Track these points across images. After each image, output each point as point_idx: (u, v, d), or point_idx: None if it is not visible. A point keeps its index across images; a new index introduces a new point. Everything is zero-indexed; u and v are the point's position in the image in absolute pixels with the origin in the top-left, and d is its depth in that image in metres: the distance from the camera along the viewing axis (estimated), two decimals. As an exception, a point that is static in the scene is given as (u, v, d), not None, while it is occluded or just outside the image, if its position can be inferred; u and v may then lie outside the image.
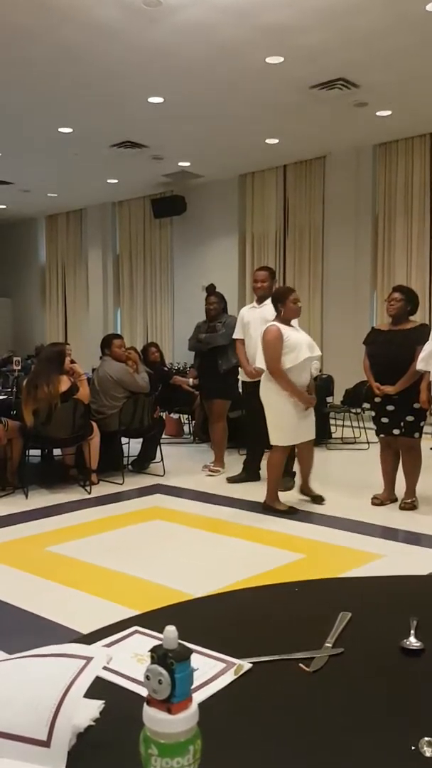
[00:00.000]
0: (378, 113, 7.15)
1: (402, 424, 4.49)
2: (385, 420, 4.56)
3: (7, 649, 2.59)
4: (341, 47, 5.53)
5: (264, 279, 5.33)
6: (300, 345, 4.51)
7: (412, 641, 0.99)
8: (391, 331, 4.58)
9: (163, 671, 0.62)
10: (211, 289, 6.09)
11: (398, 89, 6.45)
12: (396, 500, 4.70)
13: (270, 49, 5.58)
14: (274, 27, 5.17)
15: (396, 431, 4.53)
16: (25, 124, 7.41)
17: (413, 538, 4.04)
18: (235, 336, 5.44)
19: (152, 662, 0.63)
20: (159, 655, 0.63)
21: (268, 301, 5.24)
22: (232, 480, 5.45)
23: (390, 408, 4.51)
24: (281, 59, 5.75)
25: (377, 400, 4.57)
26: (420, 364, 4.27)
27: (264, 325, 5.04)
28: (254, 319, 5.25)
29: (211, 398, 5.88)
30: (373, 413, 4.67)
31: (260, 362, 4.59)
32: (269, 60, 5.76)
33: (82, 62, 5.77)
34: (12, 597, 3.11)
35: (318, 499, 4.81)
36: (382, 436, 4.66)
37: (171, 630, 0.64)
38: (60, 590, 3.27)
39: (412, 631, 1.02)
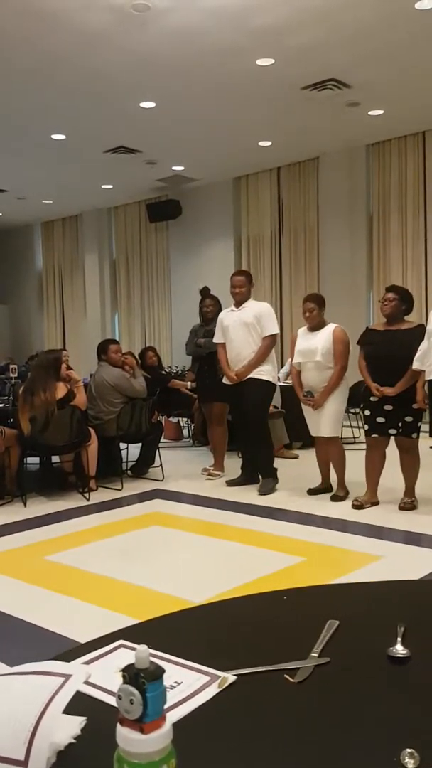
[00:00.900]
0: (370, 113, 7.16)
1: (400, 424, 4.47)
2: (381, 420, 4.53)
3: (6, 659, 2.58)
4: (332, 47, 5.54)
5: (241, 284, 5.34)
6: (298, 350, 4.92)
7: (399, 649, 0.99)
8: (388, 332, 4.55)
9: (135, 691, 0.61)
10: (205, 292, 6.11)
11: (390, 88, 6.46)
12: (378, 503, 4.67)
13: (260, 51, 5.58)
14: (264, 29, 5.17)
15: (393, 431, 4.51)
16: (19, 132, 7.41)
17: (413, 538, 4.03)
18: (215, 340, 5.43)
19: (124, 682, 0.63)
20: (130, 675, 0.62)
21: (247, 304, 5.31)
22: (231, 483, 5.44)
23: (388, 408, 4.49)
24: (272, 61, 5.75)
25: (373, 399, 4.54)
26: (415, 363, 4.26)
27: (244, 328, 5.22)
28: (233, 322, 5.27)
29: (209, 402, 5.87)
30: (367, 412, 4.64)
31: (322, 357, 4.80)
32: (260, 62, 5.77)
33: (73, 68, 5.78)
34: (10, 607, 3.10)
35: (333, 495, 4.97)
36: (375, 436, 4.61)
37: (142, 649, 0.64)
38: (58, 599, 3.26)
39: (399, 639, 1.01)
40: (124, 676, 0.63)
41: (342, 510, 4.65)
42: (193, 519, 4.64)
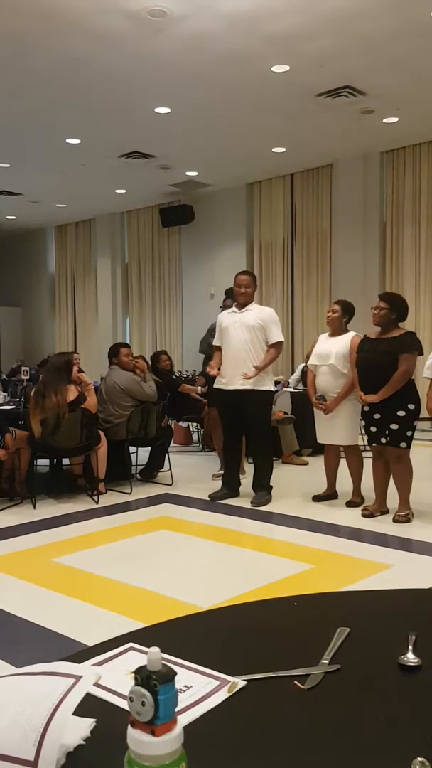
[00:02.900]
0: (385, 120, 7.16)
1: (387, 432, 4.42)
2: (373, 429, 4.51)
3: (14, 661, 2.59)
4: (347, 55, 5.55)
5: (248, 284, 5.05)
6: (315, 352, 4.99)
7: (410, 657, 0.98)
8: (378, 340, 4.53)
9: (147, 693, 0.61)
10: (229, 293, 6.05)
11: (404, 96, 6.46)
12: (387, 512, 4.64)
13: (276, 58, 5.60)
14: (280, 35, 5.19)
15: (383, 440, 4.47)
16: (34, 136, 7.47)
17: (423, 548, 4.00)
18: (215, 342, 5.18)
19: (135, 684, 0.63)
20: (142, 677, 0.62)
21: (250, 307, 5.05)
22: (214, 497, 5.19)
23: (377, 417, 4.45)
24: (287, 68, 5.77)
25: (366, 409, 4.52)
26: (426, 372, 4.24)
27: (246, 331, 4.93)
28: (233, 324, 4.98)
29: (215, 406, 5.87)
30: (363, 422, 4.64)
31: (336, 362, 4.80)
32: (275, 68, 5.79)
33: (88, 73, 5.82)
34: (18, 609, 3.10)
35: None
36: (373, 445, 4.60)
37: (155, 651, 0.64)
38: (66, 602, 3.26)
39: (410, 647, 1.00)
40: (135, 678, 0.63)
41: (351, 518, 4.63)
42: (201, 524, 4.63)
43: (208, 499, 5.22)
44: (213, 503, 5.11)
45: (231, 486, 5.25)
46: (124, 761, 0.63)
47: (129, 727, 0.63)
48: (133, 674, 0.65)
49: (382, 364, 4.37)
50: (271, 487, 5.19)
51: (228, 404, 5.04)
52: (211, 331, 5.93)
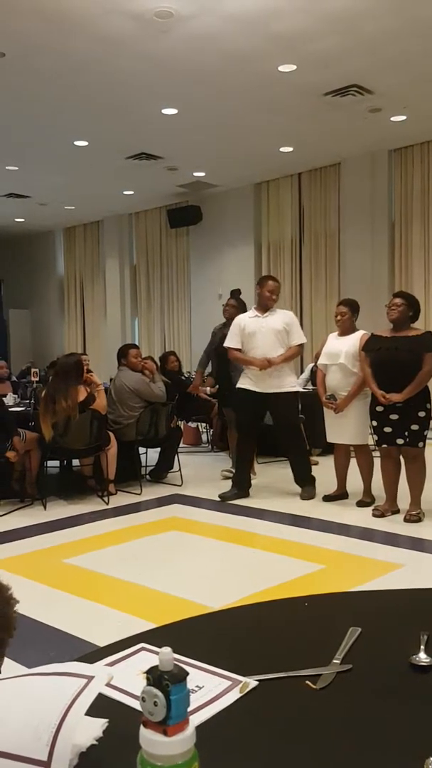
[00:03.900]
0: (392, 119, 7.13)
1: (407, 433, 4.40)
2: (388, 429, 4.47)
3: (24, 661, 2.59)
4: (354, 53, 5.53)
5: (278, 291, 5.24)
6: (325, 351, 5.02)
7: (422, 657, 0.97)
8: (395, 338, 4.48)
9: (159, 693, 0.61)
10: (234, 293, 6.05)
11: (412, 94, 6.43)
12: (398, 511, 4.62)
13: (282, 57, 5.59)
14: (286, 35, 5.18)
15: (400, 441, 4.43)
16: (41, 138, 7.50)
17: (434, 547, 3.98)
18: (229, 344, 5.22)
19: (148, 684, 0.63)
20: (154, 677, 0.62)
21: (275, 311, 5.19)
22: (224, 497, 5.21)
23: (394, 417, 4.42)
24: (294, 67, 5.76)
25: (379, 409, 4.47)
26: None
27: (274, 335, 5.10)
28: (261, 329, 5.09)
29: (228, 406, 5.86)
30: (375, 423, 4.57)
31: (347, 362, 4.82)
32: (282, 68, 5.78)
33: (95, 75, 5.84)
34: (29, 609, 3.11)
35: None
36: (384, 446, 4.56)
37: (166, 651, 0.64)
38: (77, 602, 3.27)
39: (422, 647, 1.00)
40: (148, 678, 0.63)
41: (362, 518, 4.61)
42: (211, 525, 4.63)
43: (218, 499, 5.23)
44: (223, 503, 5.11)
45: (241, 486, 5.28)
46: (137, 761, 0.63)
47: (141, 727, 0.63)
48: (145, 674, 0.65)
49: (405, 363, 4.33)
50: (314, 478, 5.27)
51: (252, 405, 5.16)
52: (214, 334, 5.91)
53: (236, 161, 8.59)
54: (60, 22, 4.91)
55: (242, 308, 5.83)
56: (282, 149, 8.13)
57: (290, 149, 8.13)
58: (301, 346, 5.17)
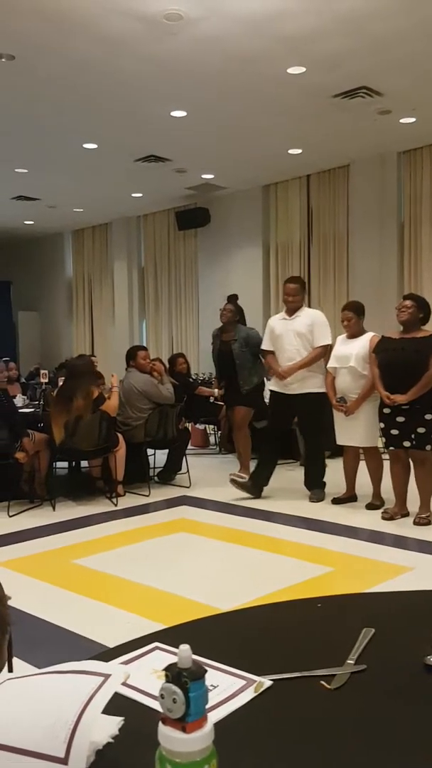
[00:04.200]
0: (402, 120, 7.12)
1: (413, 435, 4.38)
2: (395, 432, 4.46)
3: (33, 661, 2.60)
4: (363, 55, 5.52)
5: (294, 293, 5.23)
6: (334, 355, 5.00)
7: (437, 658, 0.97)
8: (402, 339, 4.49)
9: (178, 690, 0.62)
10: (230, 299, 5.98)
11: (422, 96, 6.41)
12: (408, 514, 4.61)
13: (291, 59, 5.59)
14: (295, 37, 5.19)
15: (407, 443, 4.42)
16: (51, 141, 7.53)
17: (443, 550, 3.97)
18: (264, 347, 5.37)
19: (166, 681, 0.63)
20: (173, 674, 0.63)
21: (301, 313, 5.24)
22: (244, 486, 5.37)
23: (400, 419, 4.41)
24: (303, 69, 5.76)
25: (386, 411, 4.47)
26: None
27: (297, 338, 5.16)
28: (287, 332, 5.18)
29: (233, 406, 5.86)
30: (382, 425, 4.57)
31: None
32: (291, 70, 5.78)
33: (105, 78, 5.86)
34: (38, 610, 3.12)
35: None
36: (391, 448, 4.56)
37: (185, 649, 0.64)
38: (86, 603, 3.28)
39: (437, 648, 0.99)
40: (166, 675, 0.63)
41: (371, 520, 4.60)
42: (219, 526, 4.63)
43: (227, 501, 5.23)
44: (230, 506, 5.12)
45: (256, 483, 5.34)
46: (156, 758, 0.63)
47: (160, 724, 0.63)
48: (162, 672, 0.66)
49: (412, 364, 4.33)
50: (325, 483, 5.28)
51: (280, 406, 5.25)
52: (215, 337, 5.88)
53: (244, 163, 8.60)
54: (69, 25, 4.93)
55: (239, 313, 5.80)
56: (290, 151, 8.13)
57: (299, 151, 8.13)
58: (324, 347, 5.11)
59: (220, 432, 7.74)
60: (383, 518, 4.58)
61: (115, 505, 5.19)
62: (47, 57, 5.41)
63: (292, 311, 5.25)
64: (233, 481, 5.37)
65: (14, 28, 4.91)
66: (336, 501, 5.06)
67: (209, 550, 4.16)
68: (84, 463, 5.86)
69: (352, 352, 4.83)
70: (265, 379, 5.82)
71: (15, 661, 1.49)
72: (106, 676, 0.78)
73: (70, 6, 4.67)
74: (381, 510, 4.71)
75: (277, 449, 5.47)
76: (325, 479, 5.29)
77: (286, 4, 4.74)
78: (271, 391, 5.46)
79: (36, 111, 6.62)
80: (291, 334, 5.16)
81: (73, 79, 5.88)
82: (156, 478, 6.03)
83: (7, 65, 5.49)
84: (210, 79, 5.93)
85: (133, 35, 5.10)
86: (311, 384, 5.12)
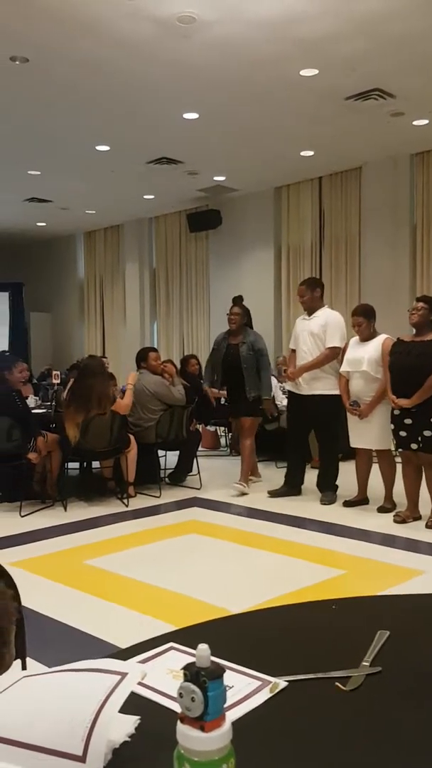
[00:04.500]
0: (414, 122, 7.09)
1: (420, 438, 4.37)
2: (403, 434, 4.46)
3: (44, 661, 2.61)
4: (376, 57, 5.51)
5: (302, 294, 5.32)
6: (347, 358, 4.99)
7: (453, 661, 0.97)
8: (412, 342, 4.50)
9: (196, 689, 0.62)
10: (237, 300, 5.87)
11: (435, 98, 6.39)
12: (420, 518, 4.58)
13: (304, 62, 5.59)
14: (309, 39, 5.19)
15: (414, 446, 4.41)
16: (64, 144, 7.57)
17: (455, 554, 3.94)
18: (290, 346, 5.49)
19: (185, 680, 0.63)
20: (192, 673, 0.63)
21: (319, 313, 5.27)
22: (274, 494, 5.39)
23: (408, 422, 4.40)
24: (316, 71, 5.76)
25: (396, 412, 4.48)
26: None
27: (311, 338, 5.19)
28: (302, 332, 5.26)
29: (239, 416, 5.72)
30: (392, 426, 4.58)
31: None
32: (304, 72, 5.78)
33: (117, 80, 5.88)
34: (50, 610, 3.14)
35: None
36: (400, 450, 4.57)
37: (204, 648, 0.64)
38: (97, 603, 3.29)
39: (453, 651, 0.99)
40: (185, 674, 0.64)
41: (383, 523, 4.58)
42: (230, 528, 4.63)
43: (236, 503, 5.23)
44: (241, 508, 5.12)
45: (293, 485, 5.41)
46: (174, 756, 0.63)
47: (179, 723, 0.64)
48: (178, 672, 0.66)
49: (416, 368, 4.32)
50: (337, 486, 5.28)
51: (297, 408, 5.30)
52: (218, 344, 5.76)
53: (257, 165, 8.60)
54: (83, 28, 4.96)
55: (246, 314, 5.71)
56: (303, 153, 8.12)
57: (311, 153, 8.12)
58: (333, 349, 5.10)
59: (231, 434, 7.73)
60: (395, 521, 4.57)
61: (126, 506, 5.20)
62: (60, 59, 5.44)
63: (309, 311, 5.31)
64: (270, 493, 5.42)
65: (28, 31, 4.94)
66: (347, 504, 5.04)
67: (220, 552, 4.16)
68: (95, 464, 5.87)
69: (365, 356, 4.82)
70: (276, 383, 5.82)
71: (27, 660, 1.50)
72: (123, 675, 0.79)
73: (84, 9, 4.70)
74: (393, 513, 4.69)
75: (302, 450, 5.50)
76: (337, 482, 5.28)
77: (299, 7, 4.74)
78: (288, 391, 5.52)
79: (49, 113, 6.66)
80: (305, 334, 5.22)
81: (85, 82, 5.91)
82: (167, 479, 6.04)
83: (21, 68, 5.53)
84: (222, 81, 5.94)
85: (146, 38, 5.12)
86: (322, 385, 5.12)
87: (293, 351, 5.36)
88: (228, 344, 5.65)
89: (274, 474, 6.16)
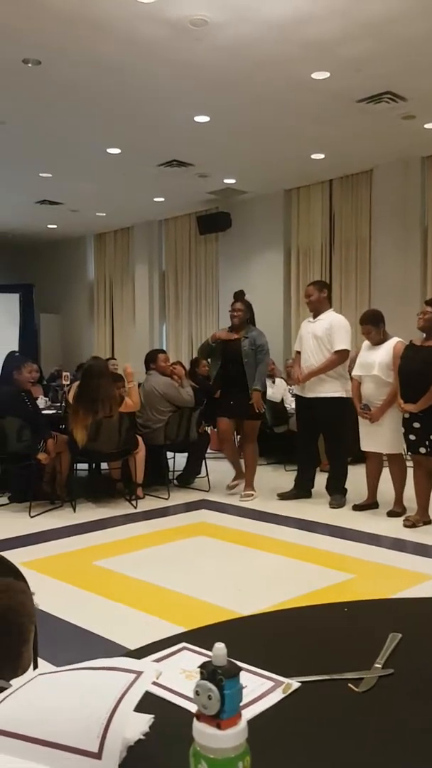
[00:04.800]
0: (426, 125, 7.08)
1: (427, 442, 4.37)
2: (412, 437, 4.46)
3: (54, 661, 2.62)
4: (388, 60, 5.51)
5: (310, 294, 5.34)
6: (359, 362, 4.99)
7: (466, 664, 0.97)
8: (422, 347, 4.51)
9: (213, 687, 0.62)
10: (239, 296, 5.76)
11: (446, 101, 6.38)
12: (430, 522, 4.57)
13: (316, 64, 5.60)
14: (320, 42, 5.19)
15: (422, 450, 4.41)
16: (75, 146, 7.60)
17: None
18: (295, 348, 5.50)
19: (201, 678, 0.64)
20: (208, 671, 0.63)
21: (324, 316, 5.27)
22: (283, 497, 5.39)
23: (416, 425, 4.41)
24: (327, 74, 5.76)
25: (406, 416, 4.49)
26: None
27: (314, 341, 5.17)
28: (307, 334, 5.26)
29: (241, 418, 5.48)
30: (402, 430, 4.60)
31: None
32: (315, 75, 5.78)
33: (129, 83, 5.91)
34: (59, 610, 3.15)
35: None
36: (410, 454, 4.58)
37: (220, 647, 0.65)
38: (106, 604, 3.29)
39: (466, 654, 0.99)
40: (201, 673, 0.64)
41: (393, 527, 4.57)
42: (239, 531, 4.62)
43: (245, 505, 5.23)
44: (249, 510, 5.12)
45: (302, 487, 5.42)
46: (190, 754, 0.64)
47: (195, 720, 0.64)
48: (191, 672, 0.66)
49: (423, 373, 4.33)
50: (346, 489, 5.27)
51: (304, 410, 5.30)
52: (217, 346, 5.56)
53: (267, 168, 8.61)
54: (94, 31, 4.98)
55: (249, 310, 5.55)
56: (313, 156, 8.12)
57: (321, 156, 8.12)
58: (340, 353, 5.07)
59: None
60: (405, 526, 4.55)
61: (135, 507, 5.21)
62: (72, 62, 5.47)
63: (314, 313, 5.31)
64: (280, 495, 5.42)
65: (40, 33, 4.98)
66: (357, 507, 5.03)
67: (229, 555, 4.16)
68: (104, 465, 5.89)
69: (376, 360, 4.81)
70: (285, 386, 5.80)
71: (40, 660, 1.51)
72: (139, 673, 0.79)
73: (96, 11, 4.73)
74: (403, 517, 4.67)
75: (311, 453, 5.47)
76: (347, 488, 5.28)
77: (311, 9, 4.75)
78: (294, 395, 5.52)
79: (60, 115, 6.69)
80: (310, 337, 5.22)
81: (97, 84, 5.94)
82: (175, 481, 6.05)
83: (33, 70, 5.56)
84: (233, 84, 5.95)
85: (157, 40, 5.14)
86: (327, 388, 5.11)
87: (298, 353, 5.37)
88: (228, 340, 5.45)
89: (283, 477, 6.15)
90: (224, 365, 5.47)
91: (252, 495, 5.48)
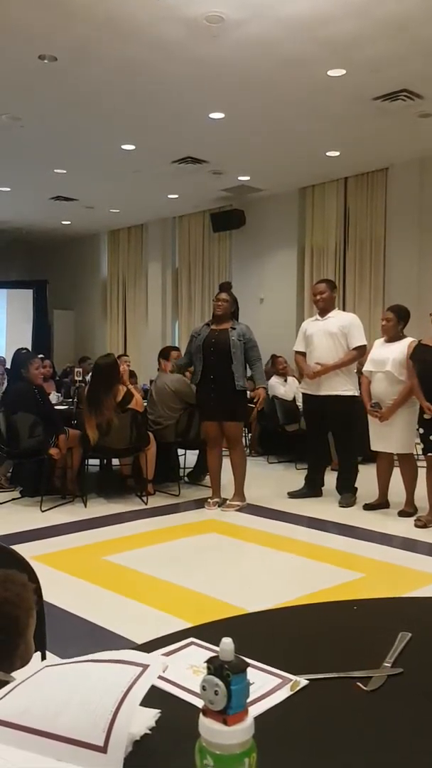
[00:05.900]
0: (442, 124, 7.03)
1: None
2: None
3: (62, 655, 2.63)
4: (404, 58, 5.47)
5: (322, 291, 5.28)
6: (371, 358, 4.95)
7: None
8: None
9: (220, 682, 0.62)
10: (224, 287, 5.37)
11: (463, 99, 6.33)
12: None
13: (332, 62, 5.57)
14: (337, 40, 5.16)
15: None
16: (90, 143, 7.62)
17: None
18: (295, 348, 5.40)
19: (208, 673, 0.63)
20: (215, 667, 0.63)
21: (333, 314, 5.26)
22: (293, 495, 5.39)
23: None
24: (343, 72, 5.73)
25: (426, 417, 4.46)
26: None
27: (329, 339, 5.13)
28: (318, 332, 5.21)
29: (224, 420, 4.96)
30: (421, 430, 4.58)
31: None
32: (331, 73, 5.75)
33: (145, 80, 5.91)
34: (69, 605, 3.16)
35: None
36: (429, 454, 4.54)
37: (228, 642, 0.64)
38: (115, 599, 3.30)
39: None
40: (208, 668, 0.64)
41: (404, 527, 4.54)
42: (249, 529, 4.62)
43: (255, 504, 5.22)
44: (260, 508, 5.10)
45: (312, 486, 5.42)
46: (196, 749, 0.64)
47: (201, 716, 0.64)
48: (199, 667, 0.66)
49: None
50: (356, 488, 5.24)
51: (314, 409, 5.26)
52: (197, 335, 5.17)
53: (282, 166, 8.58)
54: (111, 28, 4.98)
55: (235, 303, 5.19)
56: (329, 154, 8.08)
57: (337, 154, 8.08)
58: (359, 349, 5.08)
59: (250, 434, 7.72)
60: (416, 526, 4.53)
61: (146, 503, 5.22)
62: (87, 59, 5.48)
63: (323, 311, 5.28)
64: (290, 494, 5.40)
65: (56, 30, 4.99)
66: (368, 507, 5.01)
67: (239, 552, 4.16)
68: (115, 461, 5.90)
69: (390, 357, 4.78)
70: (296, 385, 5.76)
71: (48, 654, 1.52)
72: (145, 667, 0.79)
73: (111, 8, 4.73)
74: (414, 518, 4.65)
75: (321, 451, 5.46)
76: (357, 487, 5.26)
77: (327, 7, 4.72)
78: (303, 393, 5.48)
79: (75, 112, 6.71)
80: (321, 334, 5.17)
81: (112, 81, 5.94)
82: (186, 478, 6.05)
83: (49, 67, 5.58)
84: (249, 81, 5.93)
85: (173, 38, 5.13)
86: (333, 386, 5.08)
87: (299, 353, 5.32)
88: (213, 330, 5.05)
89: (293, 476, 6.14)
90: (206, 358, 4.97)
91: (237, 506, 5.00)
